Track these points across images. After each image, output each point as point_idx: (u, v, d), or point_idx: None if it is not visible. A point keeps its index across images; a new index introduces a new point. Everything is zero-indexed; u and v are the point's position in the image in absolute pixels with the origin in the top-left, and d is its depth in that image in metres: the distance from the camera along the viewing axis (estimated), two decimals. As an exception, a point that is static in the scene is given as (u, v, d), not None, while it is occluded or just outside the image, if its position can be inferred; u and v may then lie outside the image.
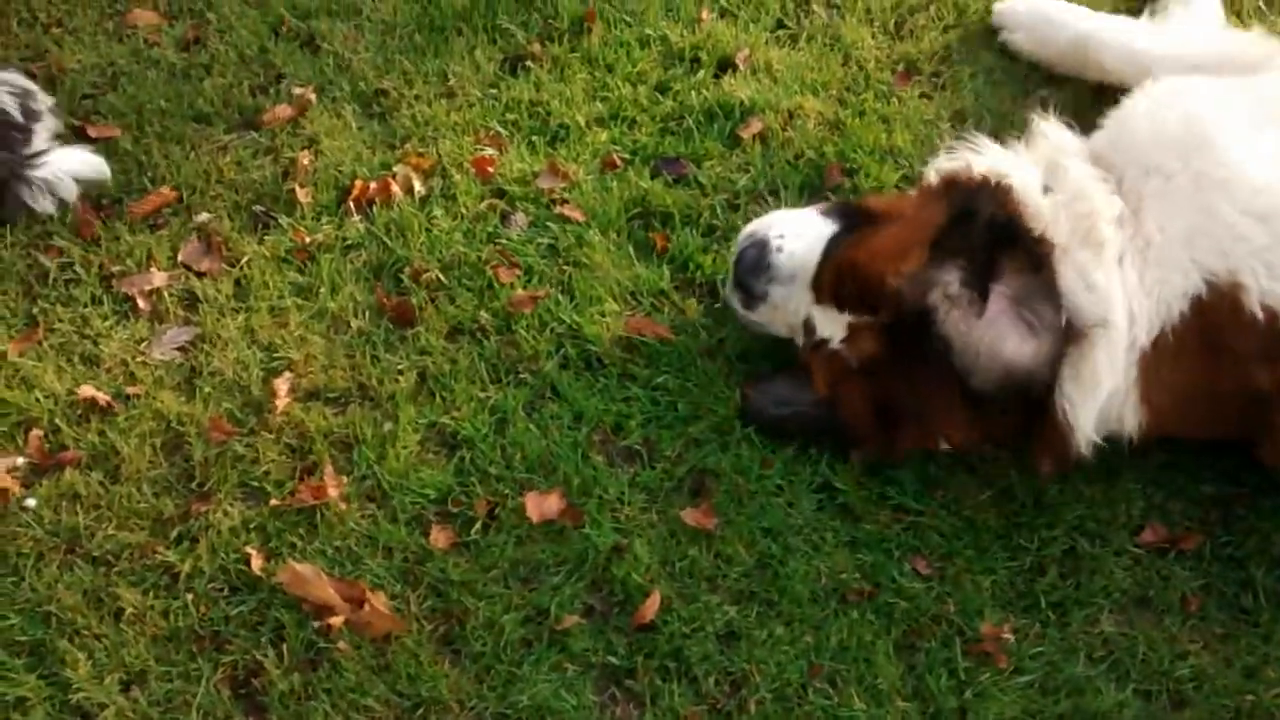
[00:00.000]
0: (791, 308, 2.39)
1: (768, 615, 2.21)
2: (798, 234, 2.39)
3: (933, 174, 2.40)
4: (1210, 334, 2.16)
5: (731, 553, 2.28)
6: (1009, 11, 2.99)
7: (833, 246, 2.34)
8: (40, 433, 2.39)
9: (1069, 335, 2.16)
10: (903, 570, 2.26)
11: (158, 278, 2.62)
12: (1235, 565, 2.27)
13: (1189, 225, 2.17)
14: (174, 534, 2.28)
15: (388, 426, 2.42)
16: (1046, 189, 2.28)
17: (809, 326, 2.37)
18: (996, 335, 2.10)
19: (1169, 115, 2.29)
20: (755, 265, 2.39)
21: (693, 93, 2.93)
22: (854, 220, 2.38)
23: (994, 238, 2.15)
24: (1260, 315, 2.11)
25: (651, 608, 2.19)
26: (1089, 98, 2.79)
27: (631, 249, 2.67)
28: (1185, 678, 2.14)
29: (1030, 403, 2.19)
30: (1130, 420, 2.24)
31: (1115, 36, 2.77)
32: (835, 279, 2.29)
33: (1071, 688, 2.13)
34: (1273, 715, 2.08)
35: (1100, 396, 2.19)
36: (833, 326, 2.31)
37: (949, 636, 2.18)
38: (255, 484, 2.34)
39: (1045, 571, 2.26)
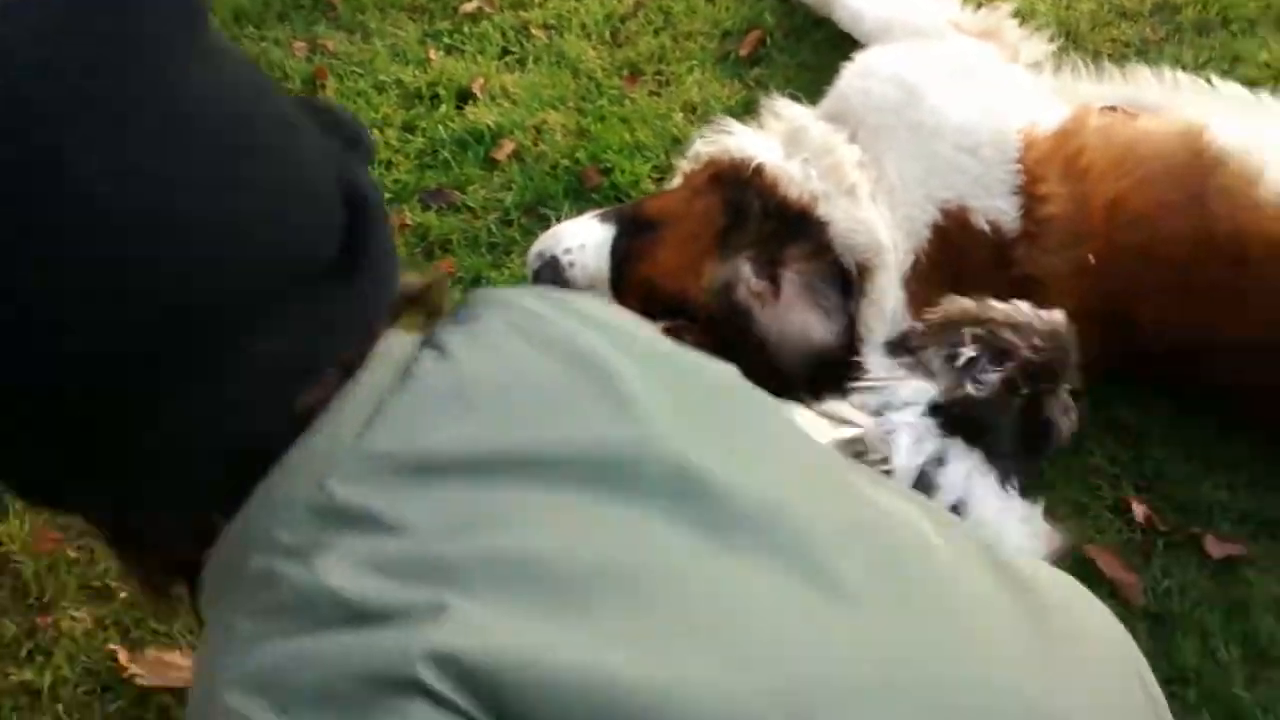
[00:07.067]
0: None
1: None
2: (582, 245, 2.51)
3: (691, 163, 2.62)
4: (951, 254, 2.48)
5: None
6: None
7: (617, 251, 2.50)
8: None
9: (859, 273, 2.44)
10: None
11: None
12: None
13: (920, 168, 2.50)
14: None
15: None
16: (793, 155, 2.56)
17: None
18: (800, 323, 2.36)
19: (876, 82, 2.62)
20: (552, 284, 2.50)
21: (440, 126, 3.04)
22: (630, 224, 2.54)
23: (773, 230, 2.41)
24: (987, 228, 2.46)
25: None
26: (794, 72, 3.14)
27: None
28: None
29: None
30: None
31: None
32: (639, 300, 2.44)
33: None
34: None
35: (888, 318, 2.48)
36: None
37: None
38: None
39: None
